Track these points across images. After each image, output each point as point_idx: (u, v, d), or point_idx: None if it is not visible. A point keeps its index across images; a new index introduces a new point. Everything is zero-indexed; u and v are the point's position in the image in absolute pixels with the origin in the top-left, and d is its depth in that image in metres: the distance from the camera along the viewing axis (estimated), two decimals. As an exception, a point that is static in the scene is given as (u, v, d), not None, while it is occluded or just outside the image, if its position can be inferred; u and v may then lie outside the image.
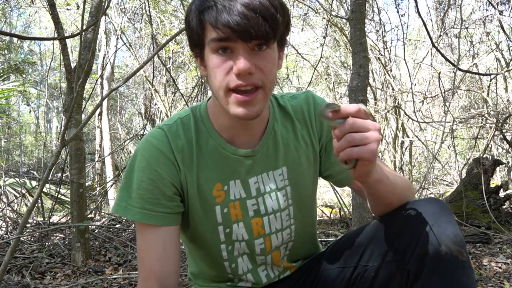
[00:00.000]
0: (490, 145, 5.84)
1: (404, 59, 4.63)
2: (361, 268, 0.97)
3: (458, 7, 4.64)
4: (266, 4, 0.80)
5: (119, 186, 0.98)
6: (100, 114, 7.32)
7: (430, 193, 6.22)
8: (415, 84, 6.76)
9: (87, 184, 4.62)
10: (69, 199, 3.47)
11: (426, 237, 0.85)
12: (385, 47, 6.81)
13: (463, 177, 4.33)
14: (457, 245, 0.83)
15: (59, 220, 4.38)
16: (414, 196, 0.99)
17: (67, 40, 4.58)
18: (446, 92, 4.98)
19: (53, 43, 5.26)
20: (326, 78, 8.20)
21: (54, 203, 3.90)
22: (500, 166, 5.49)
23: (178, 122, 0.97)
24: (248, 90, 0.83)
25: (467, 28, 5.84)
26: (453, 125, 5.05)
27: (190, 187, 0.95)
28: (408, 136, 7.44)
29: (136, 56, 7.79)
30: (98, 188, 6.10)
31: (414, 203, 0.92)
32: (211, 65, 0.84)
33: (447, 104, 4.62)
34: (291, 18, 0.92)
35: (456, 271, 0.83)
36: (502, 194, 4.33)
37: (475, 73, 5.87)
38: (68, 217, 3.91)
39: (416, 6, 3.70)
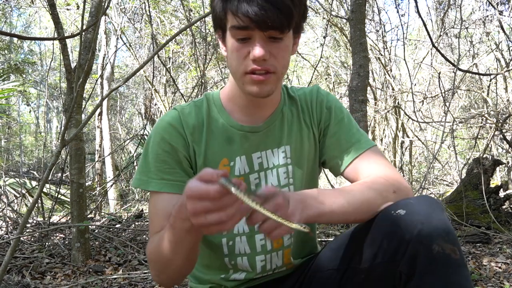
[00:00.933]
0: (490, 145, 5.84)
1: (404, 59, 4.65)
2: (352, 270, 0.95)
3: (458, 7, 4.64)
4: None
5: (138, 163, 1.05)
6: (100, 114, 7.32)
7: (430, 193, 6.21)
8: (415, 84, 6.76)
9: (87, 184, 4.61)
10: (69, 199, 3.47)
11: (417, 236, 0.82)
12: (385, 47, 6.83)
13: (463, 177, 4.32)
14: (450, 243, 0.81)
15: (59, 220, 4.37)
16: (391, 199, 0.93)
17: (67, 40, 4.58)
18: (446, 92, 4.98)
19: (53, 43, 5.27)
20: (326, 78, 8.22)
21: (54, 203, 3.90)
22: (500, 166, 5.49)
23: (192, 105, 1.07)
24: (262, 73, 0.93)
25: (467, 28, 5.85)
26: (453, 125, 5.05)
27: (198, 161, 1.03)
28: (408, 136, 7.45)
29: (136, 56, 7.79)
30: (98, 188, 6.10)
31: (405, 201, 0.90)
32: (231, 48, 0.94)
33: (447, 104, 4.62)
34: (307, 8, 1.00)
35: (449, 270, 0.80)
36: (502, 194, 4.32)
37: (475, 73, 5.88)
38: (68, 217, 3.91)
39: (416, 6, 3.71)
